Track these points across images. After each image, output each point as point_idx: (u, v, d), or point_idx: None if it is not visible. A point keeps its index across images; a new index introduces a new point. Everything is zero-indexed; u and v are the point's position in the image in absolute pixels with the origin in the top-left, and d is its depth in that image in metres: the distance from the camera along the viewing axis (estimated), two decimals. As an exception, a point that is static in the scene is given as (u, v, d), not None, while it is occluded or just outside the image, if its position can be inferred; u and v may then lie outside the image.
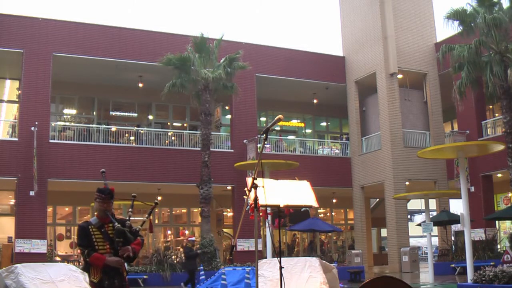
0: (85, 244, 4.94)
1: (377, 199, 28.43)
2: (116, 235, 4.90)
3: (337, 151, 25.81)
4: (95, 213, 5.08)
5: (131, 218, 5.17)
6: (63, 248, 23.53)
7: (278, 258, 5.60)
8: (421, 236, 28.22)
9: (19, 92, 20.92)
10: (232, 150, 22.31)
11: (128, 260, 5.03)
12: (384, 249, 28.22)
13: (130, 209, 5.19)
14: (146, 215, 5.29)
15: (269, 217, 13.86)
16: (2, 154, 18.81)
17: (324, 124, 29.09)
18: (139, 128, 22.49)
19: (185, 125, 25.03)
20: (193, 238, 16.22)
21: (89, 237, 4.94)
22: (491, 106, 24.51)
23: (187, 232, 26.03)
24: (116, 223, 4.94)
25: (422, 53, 23.56)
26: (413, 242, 26.49)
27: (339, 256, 26.37)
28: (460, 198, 13.74)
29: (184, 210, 25.91)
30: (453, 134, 22.47)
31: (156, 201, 5.43)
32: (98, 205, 5.04)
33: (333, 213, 28.41)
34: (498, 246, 20.98)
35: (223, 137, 23.23)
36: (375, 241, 29.56)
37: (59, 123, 22.17)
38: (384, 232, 26.46)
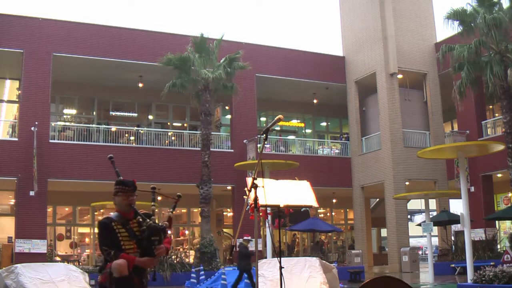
0: (110, 244, 4.32)
1: (377, 199, 28.43)
2: (151, 232, 4.35)
3: (337, 151, 25.81)
4: (116, 208, 4.56)
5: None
6: (63, 248, 23.52)
7: (278, 258, 5.61)
8: (421, 236, 28.21)
9: (19, 92, 20.92)
10: (232, 150, 22.31)
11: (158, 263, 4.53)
12: (384, 249, 28.21)
13: (153, 203, 4.66)
14: (170, 210, 4.77)
15: (269, 217, 13.88)
16: (2, 154, 18.81)
17: (324, 124, 29.09)
18: (139, 128, 22.49)
19: (185, 125, 25.03)
20: (249, 237, 15.41)
21: (114, 235, 4.34)
22: (491, 106, 24.51)
23: (190, 233, 26.01)
24: (148, 220, 4.41)
25: (422, 53, 23.56)
26: (413, 242, 26.48)
27: (339, 256, 26.37)
28: (460, 198, 13.74)
29: (184, 210, 25.91)
30: (453, 134, 22.47)
31: (179, 194, 4.95)
32: (121, 199, 4.47)
33: (333, 213, 28.40)
34: (498, 246, 20.97)
35: (223, 137, 23.23)
36: (375, 241, 29.55)
37: (59, 123, 22.17)
38: (384, 232, 26.45)
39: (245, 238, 15.01)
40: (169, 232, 4.57)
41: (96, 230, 4.54)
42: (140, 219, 4.42)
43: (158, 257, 4.42)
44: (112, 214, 4.49)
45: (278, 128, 26.74)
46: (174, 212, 4.75)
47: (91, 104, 24.05)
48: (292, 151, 24.79)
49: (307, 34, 60.85)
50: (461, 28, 18.66)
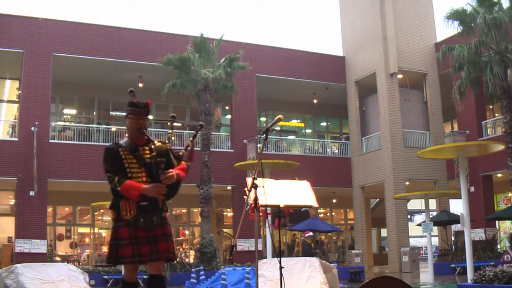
0: (115, 170, 3.94)
1: (377, 199, 28.43)
2: (156, 154, 3.90)
3: (336, 151, 25.78)
4: (126, 134, 4.17)
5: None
6: (63, 248, 23.52)
7: (278, 258, 5.61)
8: (421, 236, 28.21)
9: (19, 92, 20.92)
10: (232, 150, 22.31)
11: (170, 191, 3.99)
12: (384, 249, 28.21)
13: (170, 131, 4.27)
14: (190, 138, 4.28)
15: (269, 217, 13.87)
16: (2, 154, 18.80)
17: (324, 124, 29.09)
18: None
19: (185, 125, 25.02)
20: (311, 234, 14.76)
21: (120, 161, 3.96)
22: (491, 106, 24.51)
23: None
24: (156, 141, 3.99)
25: (422, 53, 23.56)
26: (413, 242, 26.48)
27: (339, 256, 26.36)
28: (460, 198, 13.73)
29: (184, 210, 25.91)
30: (453, 134, 22.47)
31: (201, 123, 4.55)
32: (131, 122, 4.07)
33: (333, 213, 28.41)
34: (498, 246, 20.97)
35: (223, 137, 23.23)
36: (375, 241, 29.55)
37: (59, 123, 22.17)
38: (384, 232, 26.45)
39: (307, 235, 14.47)
40: (185, 162, 4.16)
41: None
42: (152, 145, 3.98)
43: (166, 183, 3.91)
44: (121, 140, 4.14)
45: (278, 128, 26.74)
46: (194, 140, 4.29)
47: (91, 104, 24.05)
48: (292, 151, 24.78)
49: (307, 34, 60.84)
50: (461, 28, 18.66)
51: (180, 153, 4.15)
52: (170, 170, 3.90)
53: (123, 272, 4.21)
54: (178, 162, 4.09)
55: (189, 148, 4.29)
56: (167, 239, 4.02)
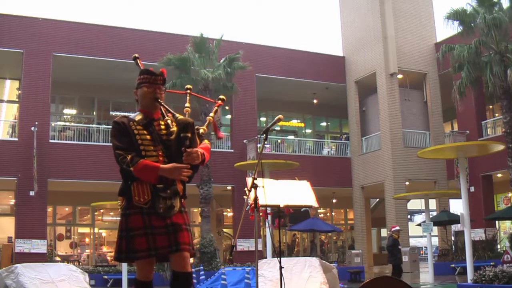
0: (126, 147, 3.32)
1: (377, 199, 28.43)
2: (180, 128, 3.35)
3: (332, 151, 25.76)
4: (138, 107, 3.63)
5: None
6: (63, 248, 23.53)
7: (278, 258, 5.61)
8: (421, 236, 28.21)
9: (19, 92, 20.92)
10: (232, 150, 22.31)
11: (191, 172, 3.34)
12: (384, 249, 28.20)
13: (187, 105, 3.76)
14: (211, 114, 3.75)
15: (269, 217, 13.87)
16: (2, 154, 18.81)
17: (324, 124, 29.08)
18: (139, 128, 22.45)
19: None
20: (398, 228, 14.35)
21: (132, 137, 3.37)
22: (491, 106, 24.51)
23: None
24: (178, 115, 3.44)
25: (422, 53, 23.56)
26: (413, 242, 26.48)
27: (339, 256, 26.37)
28: (460, 198, 13.73)
29: (184, 210, 25.89)
30: (453, 134, 22.47)
31: (221, 97, 3.94)
32: (145, 92, 3.52)
33: (333, 213, 28.41)
34: (498, 246, 20.98)
35: (223, 137, 23.24)
36: (375, 241, 29.55)
37: (59, 123, 22.17)
38: (384, 232, 26.46)
39: (394, 229, 14.14)
40: (208, 141, 3.61)
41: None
42: (168, 120, 3.45)
43: (190, 163, 3.30)
44: (132, 114, 3.57)
45: (278, 128, 26.74)
46: (215, 116, 3.77)
47: (91, 104, 24.05)
48: (289, 151, 24.76)
49: (307, 34, 60.83)
50: (461, 28, 18.67)
51: (201, 131, 3.59)
52: (195, 149, 3.33)
53: (136, 272, 3.65)
54: (200, 140, 3.54)
55: (209, 123, 3.76)
56: (187, 230, 3.40)
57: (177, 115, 3.44)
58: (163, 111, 3.56)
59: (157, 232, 3.29)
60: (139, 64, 3.78)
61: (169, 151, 3.37)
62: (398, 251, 14.07)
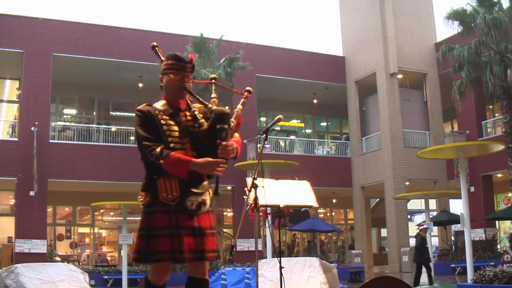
0: (154, 138, 3.06)
1: (377, 199, 28.43)
2: (216, 119, 3.07)
3: (330, 150, 25.76)
4: (162, 95, 3.37)
5: None
6: (63, 248, 23.52)
7: (278, 258, 5.61)
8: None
9: (19, 92, 20.92)
10: (232, 150, 22.28)
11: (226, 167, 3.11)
12: (384, 249, 28.21)
13: (213, 95, 3.42)
14: (239, 106, 3.40)
15: (269, 217, 13.87)
16: (2, 154, 18.80)
17: (324, 124, 29.09)
18: (139, 128, 22.45)
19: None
20: (425, 226, 14.05)
21: (159, 127, 3.12)
22: (491, 106, 24.51)
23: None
24: (210, 105, 3.17)
25: (422, 53, 23.56)
26: (413, 242, 26.43)
27: (339, 256, 26.37)
28: (460, 198, 13.71)
29: (184, 210, 25.89)
30: (453, 134, 22.46)
31: (248, 88, 3.58)
32: (173, 80, 3.25)
33: (333, 213, 28.41)
34: (498, 246, 20.97)
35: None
36: (375, 241, 29.55)
37: (59, 123, 22.17)
38: (384, 232, 26.44)
39: (421, 228, 13.84)
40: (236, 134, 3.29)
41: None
42: (195, 112, 3.16)
43: (225, 157, 3.04)
44: (155, 103, 3.32)
45: (278, 128, 26.74)
46: (242, 108, 3.38)
47: (91, 104, 24.05)
48: (292, 151, 24.78)
49: (307, 34, 60.79)
50: (461, 28, 18.68)
51: (232, 124, 3.24)
52: (231, 142, 3.09)
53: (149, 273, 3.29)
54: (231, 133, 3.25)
55: (237, 115, 3.45)
56: (214, 234, 3.18)
57: (210, 105, 3.18)
58: (189, 101, 3.30)
59: (184, 233, 3.03)
60: (159, 53, 3.49)
61: (197, 144, 3.12)
62: (426, 250, 13.92)
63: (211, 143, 3.05)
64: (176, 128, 3.13)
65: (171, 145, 3.06)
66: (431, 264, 14.48)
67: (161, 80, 3.35)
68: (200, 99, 3.24)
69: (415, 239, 14.15)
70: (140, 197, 3.16)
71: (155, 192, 3.07)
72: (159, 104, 3.25)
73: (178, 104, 3.26)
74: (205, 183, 3.18)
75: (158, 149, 2.98)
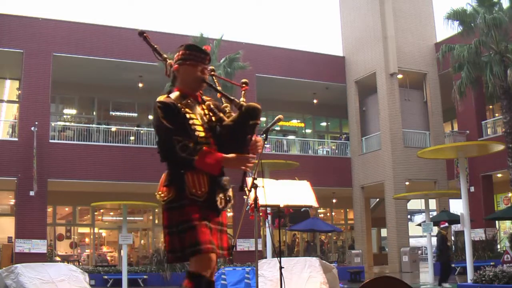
0: (183, 132, 2.91)
1: (377, 199, 28.43)
2: (248, 114, 2.96)
3: (332, 151, 25.74)
4: (177, 86, 3.15)
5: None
6: (63, 248, 23.53)
7: (278, 258, 5.61)
8: (421, 236, 28.22)
9: (19, 92, 20.92)
10: (232, 150, 22.28)
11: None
12: (384, 249, 28.21)
13: (242, 99, 3.25)
14: (242, 99, 3.18)
15: (269, 217, 13.87)
16: (2, 154, 18.80)
17: (324, 124, 29.09)
18: (139, 128, 22.48)
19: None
20: (446, 224, 13.93)
21: (184, 121, 2.96)
22: (491, 106, 24.51)
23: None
24: (238, 100, 3.06)
25: (422, 53, 23.56)
26: (413, 242, 26.48)
27: (339, 256, 26.38)
28: (460, 198, 13.72)
29: (184, 210, 25.89)
30: (453, 134, 22.47)
31: (244, 80, 3.50)
32: (191, 71, 3.07)
33: (333, 213, 28.41)
34: (498, 246, 20.97)
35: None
36: (375, 241, 29.55)
37: (59, 123, 22.17)
38: (384, 232, 26.45)
39: (442, 226, 13.74)
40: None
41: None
42: (212, 107, 3.06)
43: (254, 154, 2.99)
44: (171, 94, 3.09)
45: (278, 128, 26.74)
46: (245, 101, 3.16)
47: (91, 104, 24.05)
48: (292, 151, 24.77)
49: (307, 34, 60.82)
50: (461, 28, 18.68)
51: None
52: (259, 137, 3.06)
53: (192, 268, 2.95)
54: None
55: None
56: (227, 232, 3.17)
57: (236, 100, 3.09)
58: (200, 95, 3.17)
59: (212, 229, 2.95)
60: (149, 41, 3.29)
61: (218, 138, 3.04)
62: (448, 248, 13.81)
63: (233, 137, 2.99)
64: (199, 122, 3.02)
65: (198, 139, 2.96)
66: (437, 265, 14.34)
67: (177, 70, 3.13)
68: (225, 93, 3.21)
69: (436, 238, 14.09)
70: (160, 192, 3.01)
71: (181, 187, 2.93)
72: (174, 96, 3.05)
73: (195, 96, 3.13)
74: (228, 178, 3.12)
75: (191, 145, 2.88)
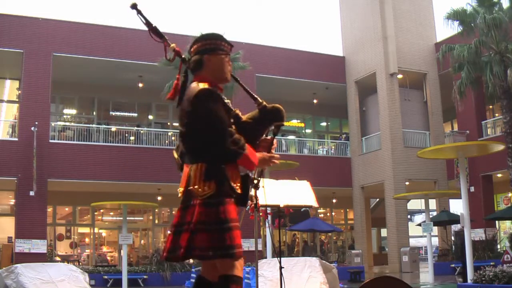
0: (227, 126, 2.81)
1: (377, 199, 28.43)
2: (274, 115, 2.99)
3: (332, 151, 25.73)
4: (207, 78, 2.99)
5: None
6: (63, 248, 23.53)
7: (278, 258, 5.61)
8: (421, 236, 28.22)
9: (19, 92, 20.92)
10: (232, 150, 22.27)
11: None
12: (384, 249, 28.21)
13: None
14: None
15: (269, 217, 13.87)
16: (2, 154, 18.80)
17: (324, 124, 29.09)
18: (139, 128, 22.49)
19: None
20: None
21: (229, 113, 2.89)
22: (491, 106, 24.51)
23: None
24: (260, 100, 2.98)
25: (422, 53, 23.56)
26: (413, 242, 26.48)
27: (339, 256, 26.38)
28: (460, 198, 13.72)
29: (184, 210, 25.87)
30: (453, 134, 22.47)
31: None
32: (223, 63, 3.05)
33: (333, 213, 28.40)
34: (498, 246, 20.98)
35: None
36: (375, 241, 29.55)
37: (59, 123, 22.16)
38: (384, 232, 26.45)
39: None
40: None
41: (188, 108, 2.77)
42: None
43: (278, 155, 3.03)
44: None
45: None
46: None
47: (91, 104, 24.05)
48: (291, 151, 24.76)
49: (307, 34, 60.80)
50: (461, 28, 18.68)
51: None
52: (273, 137, 3.06)
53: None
54: None
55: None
56: None
57: (259, 99, 3.03)
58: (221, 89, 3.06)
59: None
60: (142, 15, 3.00)
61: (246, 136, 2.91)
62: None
63: (252, 135, 2.95)
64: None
65: None
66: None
67: (207, 59, 2.99)
68: (249, 91, 3.14)
69: (458, 236, 13.98)
70: (198, 187, 2.80)
71: (222, 182, 2.81)
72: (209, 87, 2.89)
73: (221, 89, 3.00)
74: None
75: (242, 139, 2.78)
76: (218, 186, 2.79)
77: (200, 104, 2.78)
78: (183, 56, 3.04)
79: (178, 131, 3.08)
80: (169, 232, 2.92)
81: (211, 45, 2.97)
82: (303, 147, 25.21)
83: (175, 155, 3.03)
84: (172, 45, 3.00)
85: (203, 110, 2.78)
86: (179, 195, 2.89)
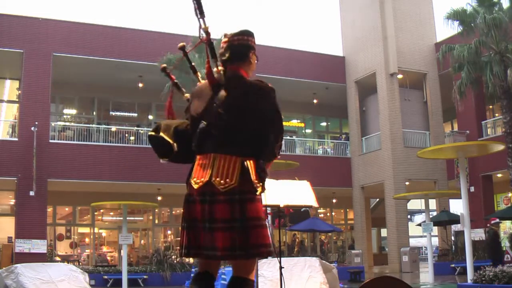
0: None
1: (377, 199, 28.43)
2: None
3: (332, 151, 25.72)
4: (243, 71, 3.03)
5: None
6: (63, 248, 23.53)
7: (278, 258, 5.60)
8: (421, 236, 28.22)
9: (19, 92, 20.92)
10: (232, 150, 22.26)
11: None
12: (384, 249, 28.21)
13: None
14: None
15: (269, 217, 13.87)
16: (2, 154, 18.80)
17: (324, 124, 29.08)
18: (139, 128, 22.49)
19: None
20: (497, 220, 13.47)
21: None
22: (491, 106, 24.51)
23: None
24: None
25: (422, 53, 23.56)
26: (413, 242, 26.48)
27: (339, 256, 26.37)
28: (460, 198, 13.72)
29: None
30: (453, 134, 22.47)
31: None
32: (254, 62, 3.06)
33: (333, 213, 28.40)
34: (498, 246, 20.96)
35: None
36: (375, 241, 29.55)
37: (59, 123, 22.17)
38: (384, 232, 26.45)
39: (493, 222, 13.28)
40: None
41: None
42: None
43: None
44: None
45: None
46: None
47: (91, 104, 24.05)
48: (292, 151, 24.76)
49: (307, 34, 60.79)
50: (461, 28, 18.68)
51: None
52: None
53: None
54: None
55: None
56: None
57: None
58: None
59: None
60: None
61: None
62: (499, 244, 13.56)
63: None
64: None
65: None
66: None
67: (251, 57, 3.04)
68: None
69: (487, 234, 13.79)
70: (254, 184, 2.79)
71: (264, 179, 2.87)
72: None
73: None
74: None
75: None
76: (263, 182, 2.81)
77: (271, 101, 2.78)
78: (212, 41, 3.10)
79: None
80: (186, 227, 2.89)
81: (255, 44, 3.05)
82: (305, 147, 25.20)
83: (168, 139, 3.05)
84: (207, 25, 3.09)
85: (273, 108, 2.79)
86: (196, 186, 2.85)
